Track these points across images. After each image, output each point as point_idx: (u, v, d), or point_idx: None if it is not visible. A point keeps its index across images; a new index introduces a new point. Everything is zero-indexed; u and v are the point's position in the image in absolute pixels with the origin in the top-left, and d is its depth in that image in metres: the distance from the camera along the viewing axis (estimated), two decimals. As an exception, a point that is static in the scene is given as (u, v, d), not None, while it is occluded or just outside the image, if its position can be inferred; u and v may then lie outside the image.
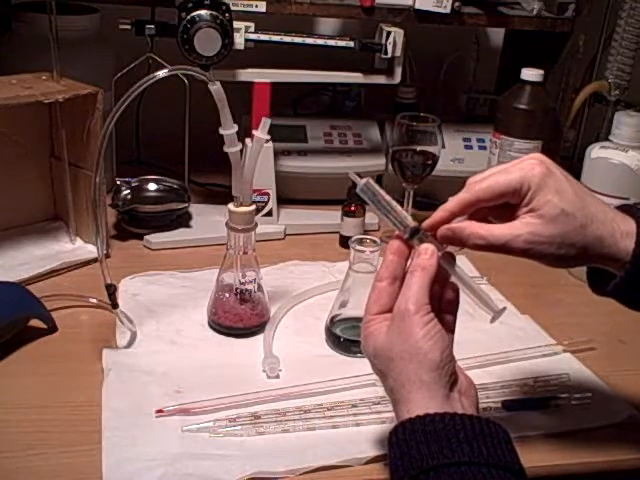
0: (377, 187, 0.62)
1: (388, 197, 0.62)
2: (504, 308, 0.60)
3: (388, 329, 0.57)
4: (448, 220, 0.60)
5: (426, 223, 0.60)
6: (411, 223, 0.61)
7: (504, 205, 0.59)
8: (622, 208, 0.62)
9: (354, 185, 1.05)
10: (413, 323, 0.56)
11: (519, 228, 0.57)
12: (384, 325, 0.58)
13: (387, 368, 0.57)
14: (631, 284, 0.59)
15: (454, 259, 0.61)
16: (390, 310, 0.58)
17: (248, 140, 1.02)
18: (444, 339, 0.56)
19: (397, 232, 0.61)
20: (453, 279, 0.60)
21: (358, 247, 0.80)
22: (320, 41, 1.04)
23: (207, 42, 0.96)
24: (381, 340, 0.58)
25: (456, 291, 0.61)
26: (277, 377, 0.76)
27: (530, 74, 1.07)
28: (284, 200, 1.12)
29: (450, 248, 0.61)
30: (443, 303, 0.61)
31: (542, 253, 0.58)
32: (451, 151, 1.21)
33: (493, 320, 0.60)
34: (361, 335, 0.60)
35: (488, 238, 0.58)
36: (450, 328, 0.60)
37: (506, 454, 0.52)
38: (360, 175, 0.63)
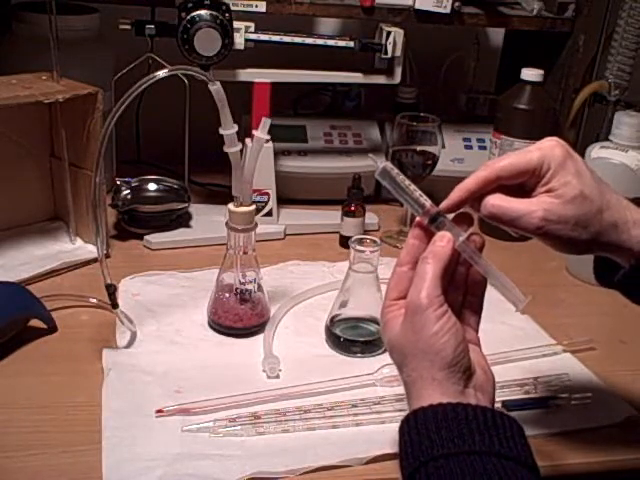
0: (396, 171, 0.60)
1: (407, 181, 0.60)
2: (530, 297, 0.58)
3: (403, 321, 0.56)
4: (466, 201, 0.59)
5: (443, 204, 0.59)
6: (431, 208, 0.59)
7: (519, 189, 0.59)
8: (636, 200, 0.62)
9: (354, 185, 1.06)
10: (426, 318, 0.55)
11: (536, 204, 0.57)
12: (401, 314, 0.57)
13: (402, 362, 0.57)
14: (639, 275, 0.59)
15: (481, 246, 0.58)
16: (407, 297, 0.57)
17: (248, 140, 1.02)
18: (458, 334, 0.55)
19: (418, 218, 0.60)
20: (475, 266, 0.58)
21: (358, 247, 0.80)
22: (320, 41, 1.04)
23: (207, 42, 0.96)
24: (396, 333, 0.57)
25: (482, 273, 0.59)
26: (277, 377, 0.76)
27: (530, 74, 1.07)
28: (284, 200, 1.12)
29: None
30: (469, 284, 0.59)
31: (555, 233, 0.57)
32: (451, 151, 1.21)
33: (518, 310, 0.58)
34: (380, 322, 0.59)
35: (503, 207, 0.57)
36: (475, 310, 0.59)
37: (519, 447, 0.51)
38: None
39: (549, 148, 0.58)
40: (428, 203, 0.59)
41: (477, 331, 0.60)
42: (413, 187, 0.60)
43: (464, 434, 0.50)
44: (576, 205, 0.57)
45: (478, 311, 0.60)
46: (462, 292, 0.60)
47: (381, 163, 0.60)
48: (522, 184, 0.58)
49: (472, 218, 0.59)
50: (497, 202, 0.57)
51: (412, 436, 0.52)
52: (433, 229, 0.59)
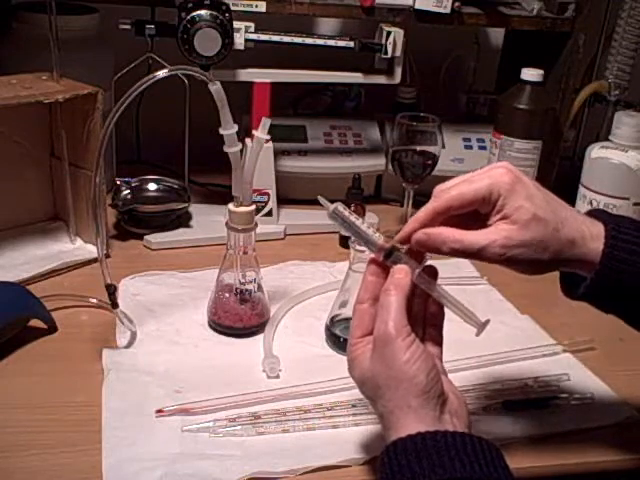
0: (346, 212, 0.62)
1: (358, 221, 0.62)
2: (487, 320, 0.60)
3: (372, 355, 0.57)
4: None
5: (398, 236, 0.60)
6: (385, 244, 0.61)
7: (472, 217, 0.59)
8: (591, 213, 0.63)
9: (354, 185, 1.06)
10: (395, 348, 0.55)
11: (495, 233, 0.58)
12: (368, 349, 0.58)
13: (375, 395, 0.57)
14: (601, 285, 0.60)
15: (435, 275, 0.60)
16: (373, 333, 0.58)
17: (248, 140, 1.02)
18: (428, 360, 0.56)
19: (372, 255, 0.61)
20: (434, 296, 0.60)
21: (358, 247, 0.80)
22: (320, 41, 1.04)
23: (207, 42, 0.96)
24: (366, 367, 0.57)
25: (439, 304, 0.61)
26: (277, 377, 0.76)
27: (530, 74, 1.07)
28: (284, 200, 1.12)
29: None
30: (427, 317, 0.61)
31: (518, 258, 0.58)
32: (451, 151, 1.21)
33: (478, 333, 0.60)
34: (347, 359, 0.60)
35: (464, 242, 0.57)
36: (437, 341, 0.61)
37: (500, 471, 0.52)
38: (331, 201, 0.63)
39: (498, 175, 0.58)
40: (381, 239, 0.61)
41: (442, 361, 0.61)
42: (365, 225, 0.62)
43: (445, 462, 0.51)
44: (532, 228, 0.57)
45: (439, 342, 0.61)
46: (421, 325, 0.61)
47: (331, 205, 0.62)
48: (476, 211, 0.59)
49: (425, 252, 0.60)
50: (455, 237, 0.58)
51: (393, 468, 0.52)
52: (389, 264, 0.60)
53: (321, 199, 0.63)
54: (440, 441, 0.52)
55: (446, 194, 0.59)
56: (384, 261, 0.60)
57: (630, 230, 0.60)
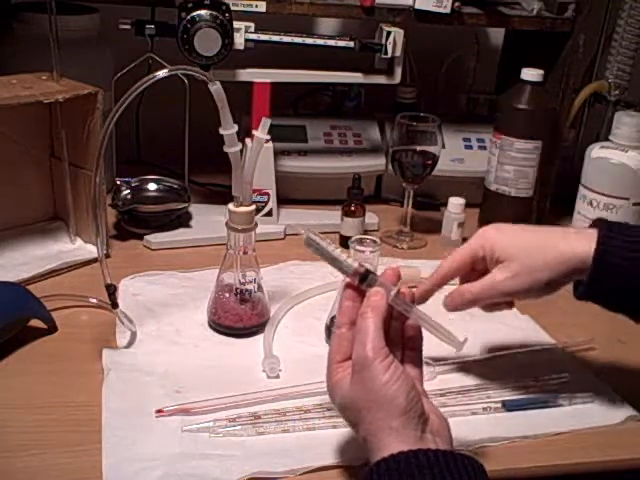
0: (319, 238, 0.63)
1: (332, 246, 0.63)
2: (465, 339, 0.63)
3: (351, 379, 0.57)
4: (433, 291, 0.71)
5: (418, 294, 0.67)
6: (358, 269, 0.61)
7: (477, 273, 0.70)
8: (592, 224, 0.69)
9: (354, 185, 1.06)
10: (374, 370, 0.56)
11: (495, 275, 0.68)
12: (348, 374, 0.58)
13: (356, 419, 0.57)
14: (599, 284, 0.65)
15: (412, 299, 0.62)
16: (352, 357, 0.59)
17: (248, 140, 1.02)
18: (407, 380, 0.56)
19: (347, 280, 0.62)
20: (411, 317, 0.61)
21: (358, 247, 0.80)
22: (320, 41, 1.04)
23: (207, 42, 0.96)
24: (346, 391, 0.58)
25: (417, 327, 0.62)
26: (277, 377, 0.76)
27: (530, 74, 1.07)
28: (284, 200, 1.12)
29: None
30: (405, 339, 0.62)
31: (523, 291, 0.68)
32: (451, 151, 1.21)
33: (458, 351, 0.63)
34: (327, 385, 0.60)
35: (474, 291, 0.69)
36: (416, 363, 0.62)
37: None
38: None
39: (482, 233, 0.70)
40: (356, 264, 0.62)
41: (422, 383, 0.62)
42: (339, 250, 0.63)
43: None
44: (523, 267, 0.67)
45: (419, 364, 0.62)
46: (400, 347, 0.61)
47: (304, 233, 0.63)
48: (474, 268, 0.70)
49: (399, 275, 0.63)
50: (472, 290, 0.69)
51: None
52: (364, 288, 0.61)
53: (295, 228, 0.66)
54: (422, 459, 0.52)
55: (447, 261, 0.71)
56: (359, 285, 0.61)
57: (620, 234, 0.65)
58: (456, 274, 0.70)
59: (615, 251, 0.64)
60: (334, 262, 0.62)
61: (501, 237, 0.68)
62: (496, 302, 0.71)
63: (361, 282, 0.61)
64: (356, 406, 0.57)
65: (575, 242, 0.66)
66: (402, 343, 0.62)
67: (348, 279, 0.62)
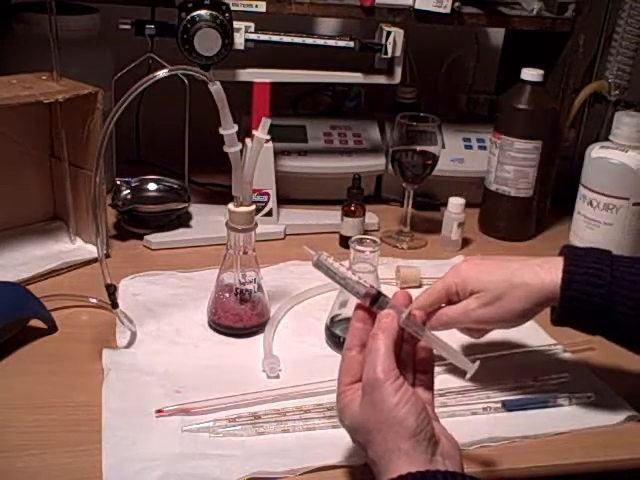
0: (330, 260, 0.63)
1: (342, 269, 0.63)
2: (477, 362, 0.63)
3: (361, 400, 0.57)
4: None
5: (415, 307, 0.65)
6: (370, 291, 0.61)
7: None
8: (560, 251, 0.71)
9: (354, 185, 1.06)
10: (384, 392, 0.56)
11: (469, 304, 0.71)
12: (358, 396, 0.58)
13: (366, 440, 0.57)
14: (570, 312, 0.67)
15: (423, 321, 0.62)
16: (362, 378, 0.58)
17: (248, 140, 1.02)
18: (417, 403, 0.56)
19: (359, 301, 0.62)
20: (422, 339, 0.61)
21: (358, 247, 0.80)
22: (320, 41, 1.04)
23: (207, 42, 0.96)
24: (356, 413, 0.58)
25: (428, 350, 0.62)
26: (277, 377, 0.76)
27: (530, 74, 1.07)
28: (284, 200, 1.12)
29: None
30: (417, 363, 0.62)
31: (495, 318, 0.71)
32: (451, 151, 1.21)
33: (469, 375, 0.63)
34: (336, 407, 0.60)
35: (449, 314, 0.72)
36: (428, 386, 0.61)
37: None
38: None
39: (457, 267, 0.73)
40: (367, 286, 0.62)
41: (433, 407, 0.61)
42: (350, 272, 0.63)
43: None
44: (495, 298, 0.70)
45: (431, 387, 0.62)
46: (411, 370, 0.61)
47: (315, 255, 0.63)
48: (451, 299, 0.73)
49: (410, 297, 0.63)
50: (448, 313, 0.72)
51: None
52: (375, 310, 0.61)
53: (306, 248, 0.65)
54: None
55: (426, 293, 0.73)
56: (370, 307, 0.61)
57: (584, 261, 0.67)
58: (432, 308, 0.72)
59: (582, 278, 0.66)
60: (345, 284, 0.63)
61: (474, 271, 0.71)
62: (471, 327, 0.74)
63: (372, 304, 0.61)
64: (366, 427, 0.57)
65: (543, 273, 0.68)
66: (413, 366, 0.62)
67: (359, 301, 0.62)
